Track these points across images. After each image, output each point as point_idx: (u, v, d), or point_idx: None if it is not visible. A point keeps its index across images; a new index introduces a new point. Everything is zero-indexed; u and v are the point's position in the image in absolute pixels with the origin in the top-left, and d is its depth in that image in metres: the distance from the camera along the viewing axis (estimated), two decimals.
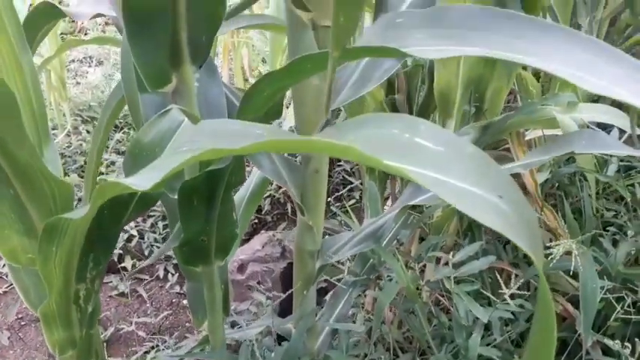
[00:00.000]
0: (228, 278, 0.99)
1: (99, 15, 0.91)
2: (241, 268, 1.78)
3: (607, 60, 0.46)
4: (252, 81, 2.96)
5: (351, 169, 2.51)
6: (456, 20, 0.51)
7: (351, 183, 2.43)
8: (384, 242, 1.05)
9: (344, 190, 2.40)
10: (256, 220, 2.27)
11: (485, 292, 1.01)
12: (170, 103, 0.76)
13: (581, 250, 0.90)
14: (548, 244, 0.94)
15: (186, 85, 0.71)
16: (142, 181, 0.46)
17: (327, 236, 1.03)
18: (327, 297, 1.12)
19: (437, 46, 0.49)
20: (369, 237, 0.98)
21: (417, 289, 1.10)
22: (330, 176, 2.51)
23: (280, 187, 2.30)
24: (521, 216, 0.39)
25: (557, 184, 1.48)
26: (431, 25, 0.52)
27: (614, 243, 1.23)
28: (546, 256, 0.90)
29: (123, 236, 2.09)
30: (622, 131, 1.16)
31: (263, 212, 2.28)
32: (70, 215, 0.55)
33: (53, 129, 2.87)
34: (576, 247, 0.89)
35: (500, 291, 0.94)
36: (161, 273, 2.04)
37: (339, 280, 1.09)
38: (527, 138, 1.31)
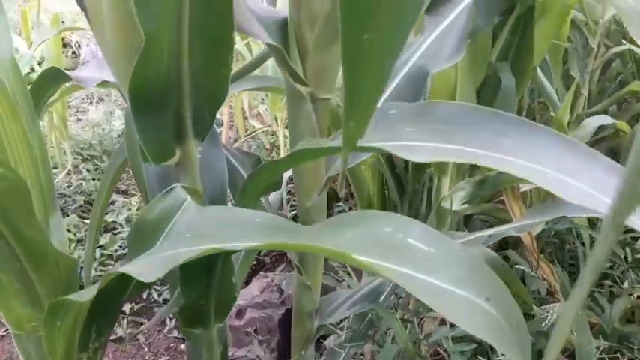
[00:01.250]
0: (227, 334, 1.00)
1: (105, 82, 0.95)
2: (239, 313, 1.79)
3: (585, 161, 0.49)
4: (251, 121, 3.00)
5: (350, 209, 2.53)
6: (443, 116, 0.54)
7: None
8: (382, 297, 1.07)
9: None
10: (255, 262, 2.29)
11: (480, 357, 1.03)
12: (173, 174, 0.78)
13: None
14: (543, 307, 0.96)
15: (189, 158, 0.74)
16: (147, 272, 0.49)
17: (327, 293, 1.05)
18: (325, 353, 1.13)
19: (426, 143, 0.52)
20: (367, 296, 0.99)
21: (415, 343, 1.11)
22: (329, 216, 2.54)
23: None
24: (508, 320, 0.41)
25: (553, 232, 1.51)
26: (420, 120, 0.55)
27: (611, 295, 1.25)
28: (542, 320, 0.92)
29: None
30: None
31: (261, 253, 2.29)
32: (75, 297, 0.57)
33: (54, 168, 2.90)
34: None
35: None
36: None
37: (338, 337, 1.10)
38: (522, 190, 1.34)
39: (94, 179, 2.87)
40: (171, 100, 0.66)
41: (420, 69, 0.81)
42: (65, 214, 2.57)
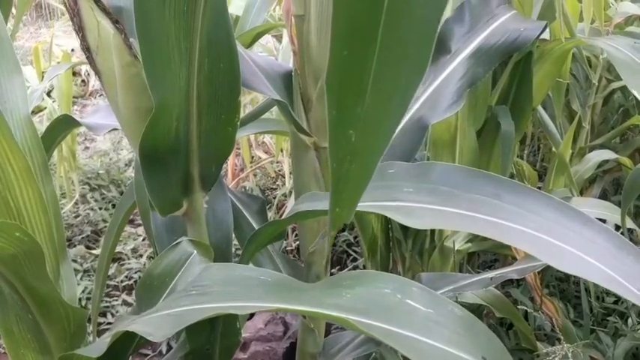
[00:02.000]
0: None
1: (114, 129, 0.98)
2: (244, 346, 1.79)
3: (576, 223, 0.51)
4: (256, 151, 3.04)
5: (355, 238, 2.54)
6: (441, 177, 0.56)
7: (356, 252, 2.46)
8: None
9: (348, 261, 2.42)
10: None
11: None
12: (180, 223, 0.81)
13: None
14: (546, 350, 0.97)
15: (195, 209, 0.76)
16: (157, 332, 0.51)
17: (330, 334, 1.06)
18: None
19: (424, 204, 0.54)
20: (372, 338, 1.00)
21: None
22: (333, 245, 2.55)
23: None
24: None
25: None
26: (418, 180, 0.57)
27: (615, 331, 1.25)
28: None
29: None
30: (618, 227, 1.20)
31: None
32: (84, 352, 0.59)
33: (61, 196, 2.93)
34: (572, 352, 0.92)
35: None
36: (164, 348, 2.04)
37: None
38: None
39: (100, 208, 2.90)
40: (180, 160, 0.68)
41: (419, 120, 0.84)
42: (72, 245, 2.59)
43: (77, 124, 1.03)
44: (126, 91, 0.65)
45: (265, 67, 0.87)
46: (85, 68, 5.22)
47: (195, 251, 0.66)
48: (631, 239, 1.45)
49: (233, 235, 0.89)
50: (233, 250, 0.92)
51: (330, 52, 0.36)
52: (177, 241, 0.67)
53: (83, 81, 5.12)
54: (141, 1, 0.52)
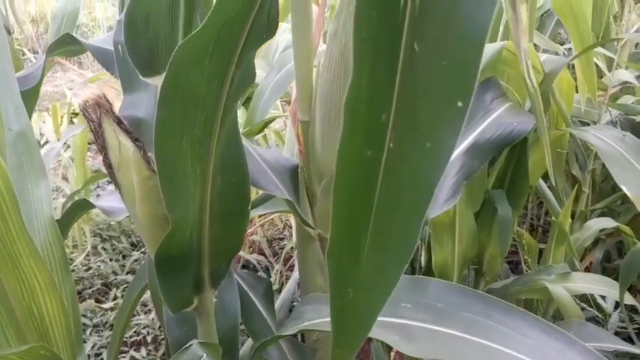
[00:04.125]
0: None
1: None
2: None
3: (564, 346, 0.55)
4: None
5: None
6: (436, 294, 0.60)
7: None
8: None
9: None
10: None
11: None
12: (190, 317, 0.85)
13: None
14: None
15: (205, 305, 0.80)
16: None
17: None
18: None
19: (420, 323, 0.58)
20: None
21: None
22: None
23: None
24: None
25: None
26: (415, 295, 0.61)
27: None
28: None
29: None
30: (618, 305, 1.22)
31: None
32: None
33: (73, 247, 2.99)
34: None
35: None
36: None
37: None
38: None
39: (111, 259, 2.94)
40: (192, 263, 0.73)
41: None
42: (82, 299, 2.62)
43: (92, 206, 1.09)
44: (143, 202, 0.71)
45: (272, 162, 0.92)
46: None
47: (205, 354, 0.69)
48: (631, 319, 1.47)
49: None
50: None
51: (332, 223, 0.40)
52: (188, 345, 0.71)
53: None
54: (159, 133, 0.57)
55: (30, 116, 0.89)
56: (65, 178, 3.42)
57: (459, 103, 0.32)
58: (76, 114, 3.87)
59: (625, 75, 1.61)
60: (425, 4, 0.30)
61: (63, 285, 0.77)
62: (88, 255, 2.93)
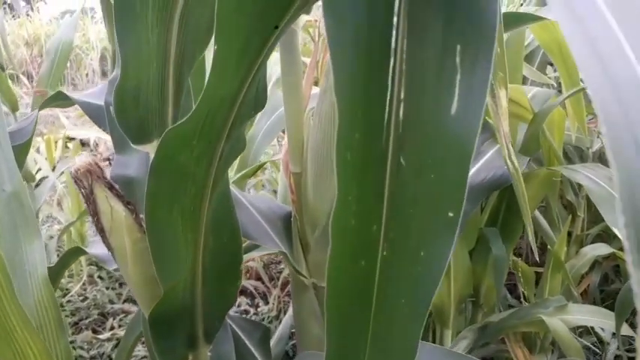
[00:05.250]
0: None
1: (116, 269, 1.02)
2: None
3: None
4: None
5: None
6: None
7: None
8: None
9: None
10: None
11: None
12: None
13: None
14: None
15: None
16: None
17: None
18: None
19: None
20: None
21: None
22: None
23: None
24: None
25: None
26: None
27: None
28: None
29: None
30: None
31: None
32: None
33: (69, 276, 2.97)
34: None
35: None
36: None
37: None
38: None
39: (108, 288, 2.92)
40: (185, 323, 0.73)
41: None
42: (79, 330, 2.60)
43: (85, 253, 1.09)
44: (136, 263, 0.71)
45: (265, 210, 0.92)
46: (93, 139, 5.37)
47: None
48: (630, 344, 1.46)
49: None
50: None
51: (327, 335, 0.40)
52: None
53: (92, 150, 5.24)
54: (149, 204, 0.57)
55: (20, 170, 0.89)
56: (60, 204, 3.41)
57: (450, 214, 0.33)
58: (72, 139, 3.88)
59: None
60: (408, 122, 0.31)
61: (57, 344, 0.77)
62: (84, 284, 2.91)
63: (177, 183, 0.54)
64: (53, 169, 2.72)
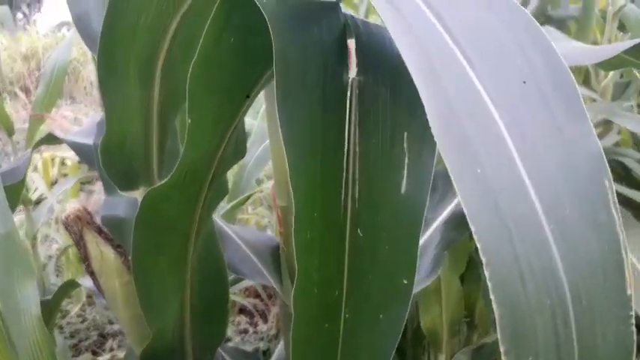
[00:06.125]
0: None
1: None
2: None
3: None
4: None
5: None
6: None
7: None
8: None
9: None
10: None
11: None
12: None
13: None
14: None
15: None
16: None
17: None
18: None
19: None
20: None
21: None
22: None
23: None
24: None
25: None
26: None
27: None
28: None
29: None
30: None
31: None
32: None
33: (68, 298, 2.98)
34: None
35: None
36: None
37: None
38: None
39: (107, 309, 2.93)
40: (176, 359, 0.75)
41: None
42: (79, 352, 2.62)
43: (78, 285, 1.11)
44: (126, 304, 0.73)
45: (254, 242, 0.94)
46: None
47: None
48: None
49: None
50: None
51: None
52: None
53: (89, 169, 5.25)
54: (135, 254, 0.59)
55: (13, 210, 0.92)
56: (57, 222, 3.43)
57: (404, 281, 0.35)
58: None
59: (603, 107, 1.60)
60: (363, 199, 0.33)
61: None
62: (83, 305, 2.92)
63: (161, 234, 0.56)
64: (53, 184, 2.74)
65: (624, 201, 1.41)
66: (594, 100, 1.53)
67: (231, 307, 2.86)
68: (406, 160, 0.32)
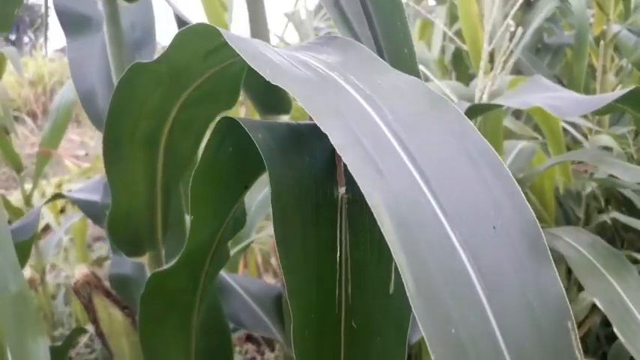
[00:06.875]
0: None
1: None
2: None
3: None
4: (265, 277, 3.12)
5: None
6: None
7: None
8: None
9: None
10: None
11: None
12: None
13: None
14: None
15: None
16: None
17: None
18: None
19: None
20: None
21: None
22: None
23: None
24: None
25: None
26: None
27: None
28: None
29: None
30: None
31: None
32: None
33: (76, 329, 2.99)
34: None
35: None
36: None
37: None
38: None
39: None
40: None
41: None
42: None
43: (87, 331, 1.13)
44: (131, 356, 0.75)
45: (257, 292, 0.96)
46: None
47: None
48: None
49: None
50: None
51: None
52: None
53: None
54: (142, 327, 0.61)
55: (23, 266, 0.94)
56: (66, 251, 3.45)
57: None
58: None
59: (605, 140, 1.61)
60: (355, 297, 0.35)
61: None
62: (91, 335, 2.94)
63: (166, 307, 0.59)
64: (61, 212, 2.76)
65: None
66: (591, 130, 1.55)
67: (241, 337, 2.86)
68: (393, 264, 0.34)
